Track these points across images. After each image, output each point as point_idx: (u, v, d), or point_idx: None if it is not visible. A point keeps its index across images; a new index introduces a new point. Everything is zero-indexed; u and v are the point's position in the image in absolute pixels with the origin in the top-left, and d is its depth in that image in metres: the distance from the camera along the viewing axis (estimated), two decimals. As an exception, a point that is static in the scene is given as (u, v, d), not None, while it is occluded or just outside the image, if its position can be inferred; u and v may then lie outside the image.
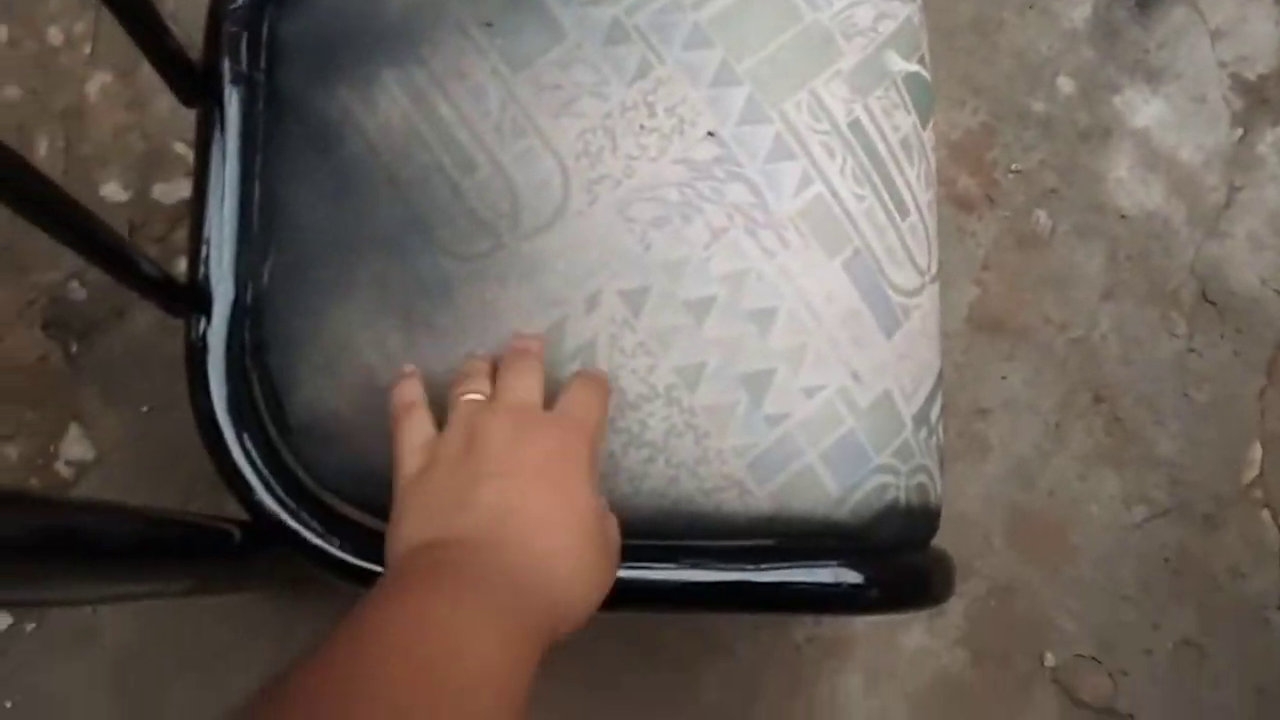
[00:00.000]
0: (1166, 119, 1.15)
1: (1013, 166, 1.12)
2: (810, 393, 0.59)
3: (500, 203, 0.57)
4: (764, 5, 0.61)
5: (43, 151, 0.99)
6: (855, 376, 0.60)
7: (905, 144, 0.63)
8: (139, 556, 0.40)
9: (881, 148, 0.62)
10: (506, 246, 0.57)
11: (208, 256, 0.57)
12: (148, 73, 1.00)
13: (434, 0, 0.58)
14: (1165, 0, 1.17)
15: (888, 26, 0.64)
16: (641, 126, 0.59)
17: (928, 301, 0.64)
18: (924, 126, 0.65)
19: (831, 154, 0.61)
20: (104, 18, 1.01)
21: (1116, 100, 1.14)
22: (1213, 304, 1.13)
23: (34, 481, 0.98)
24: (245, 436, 0.56)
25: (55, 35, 1.00)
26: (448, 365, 0.56)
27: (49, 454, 0.97)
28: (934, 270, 0.65)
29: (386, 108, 0.57)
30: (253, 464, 0.56)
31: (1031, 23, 1.15)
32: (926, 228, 0.64)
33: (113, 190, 0.99)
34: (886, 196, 0.62)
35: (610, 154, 0.58)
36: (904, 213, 0.63)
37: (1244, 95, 1.16)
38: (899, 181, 0.63)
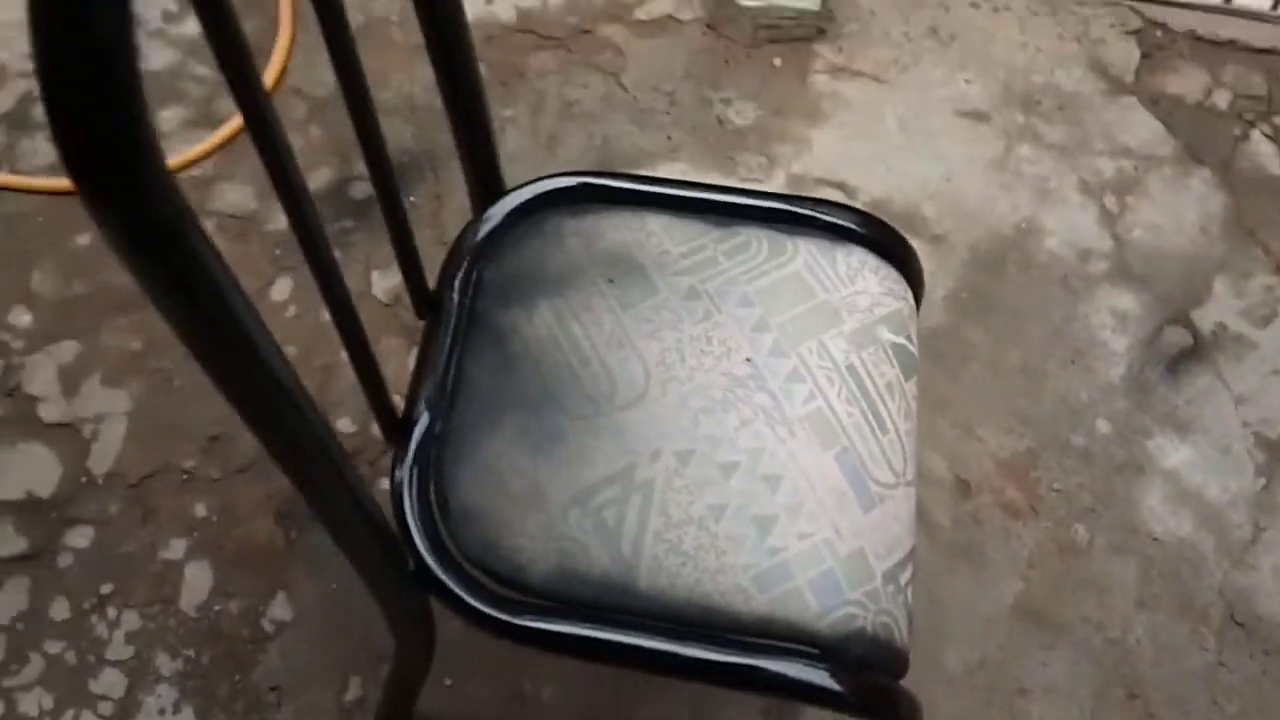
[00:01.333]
0: (1194, 463, 1.39)
1: (1054, 485, 1.37)
2: (803, 536, 0.85)
3: (603, 386, 0.89)
4: (791, 285, 0.94)
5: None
6: (837, 532, 0.86)
7: (889, 387, 0.93)
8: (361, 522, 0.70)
9: (870, 386, 0.92)
10: (604, 414, 0.88)
11: (417, 406, 0.90)
12: (382, 349, 1.40)
13: (580, 263, 0.94)
14: (1193, 367, 1.45)
15: (881, 311, 0.95)
16: (702, 350, 0.91)
17: (902, 496, 0.90)
18: (906, 380, 0.94)
19: (832, 382, 0.91)
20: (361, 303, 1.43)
21: (1149, 444, 1.40)
22: (1240, 625, 1.30)
23: (243, 633, 1.28)
24: (420, 516, 0.86)
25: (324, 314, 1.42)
26: (559, 484, 0.86)
27: (258, 612, 1.28)
28: (909, 476, 0.91)
29: (539, 324, 0.92)
30: (422, 535, 0.86)
31: (1074, 374, 1.44)
32: (903, 445, 0.92)
33: (344, 424, 1.37)
34: (871, 418, 0.91)
35: (679, 365, 0.90)
36: (884, 430, 0.91)
37: (1266, 451, 1.40)
38: (882, 410, 0.91)
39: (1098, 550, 1.34)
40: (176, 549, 1.35)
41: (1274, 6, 1.77)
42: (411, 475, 0.87)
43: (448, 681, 1.25)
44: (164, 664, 1.28)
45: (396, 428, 0.90)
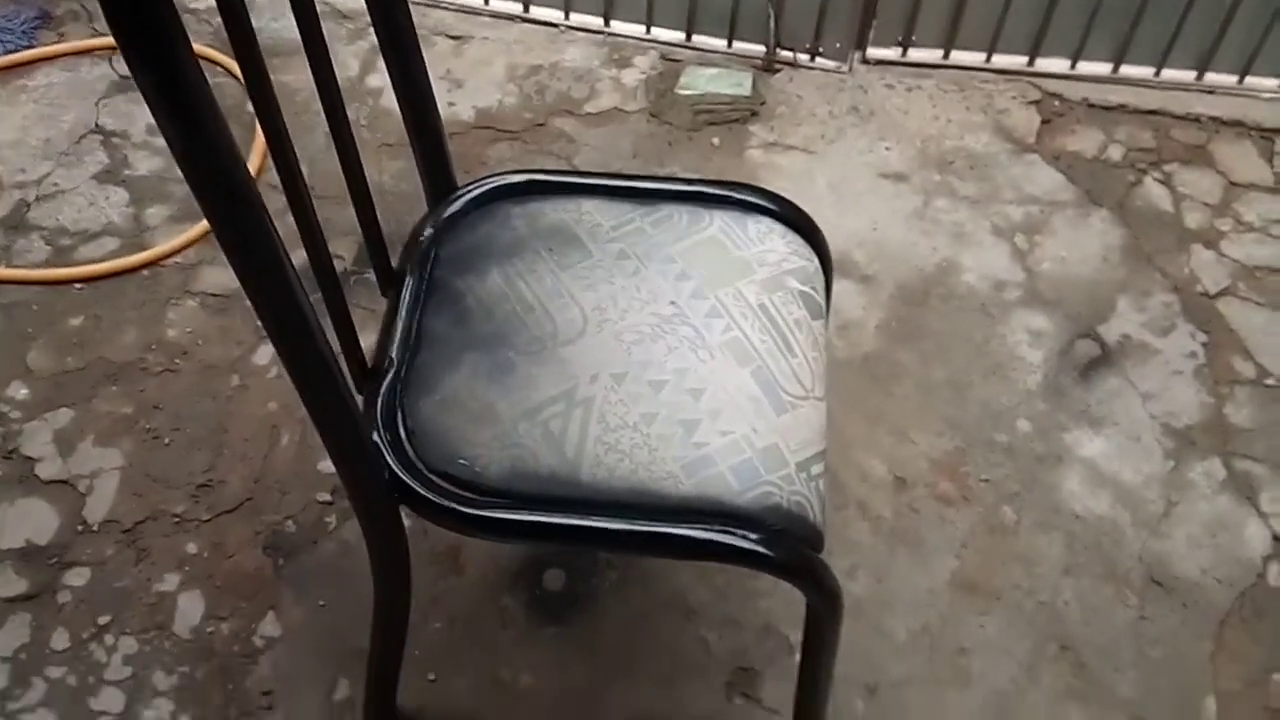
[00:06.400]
0: (1109, 451, 1.57)
1: (982, 476, 1.55)
2: (724, 434, 1.04)
3: (547, 327, 1.09)
4: (709, 246, 1.15)
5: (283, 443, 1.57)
6: (754, 430, 1.04)
7: (798, 323, 1.13)
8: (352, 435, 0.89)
9: (780, 320, 1.12)
10: (548, 349, 1.08)
11: (384, 355, 1.10)
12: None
13: (524, 238, 1.15)
14: (1102, 372, 1.65)
15: (789, 266, 1.16)
16: (632, 297, 1.11)
17: (811, 407, 1.08)
18: (813, 320, 1.14)
19: (746, 317, 1.11)
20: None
21: (1066, 437, 1.59)
22: (1159, 584, 1.46)
23: (235, 649, 1.43)
24: (389, 438, 1.04)
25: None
26: (509, 404, 1.04)
27: (250, 630, 1.43)
28: (818, 393, 1.10)
29: (490, 285, 1.12)
30: (391, 454, 1.04)
31: (995, 384, 1.64)
32: (811, 368, 1.11)
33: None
34: (781, 344, 1.10)
35: (612, 308, 1.10)
36: (793, 354, 1.10)
37: (1174, 438, 1.59)
38: (792, 340, 1.11)
39: (1025, 529, 1.50)
40: (170, 582, 1.50)
41: (1156, 74, 2.05)
42: (380, 408, 1.06)
43: (431, 677, 1.39)
44: (160, 680, 1.42)
45: (366, 376, 1.09)
